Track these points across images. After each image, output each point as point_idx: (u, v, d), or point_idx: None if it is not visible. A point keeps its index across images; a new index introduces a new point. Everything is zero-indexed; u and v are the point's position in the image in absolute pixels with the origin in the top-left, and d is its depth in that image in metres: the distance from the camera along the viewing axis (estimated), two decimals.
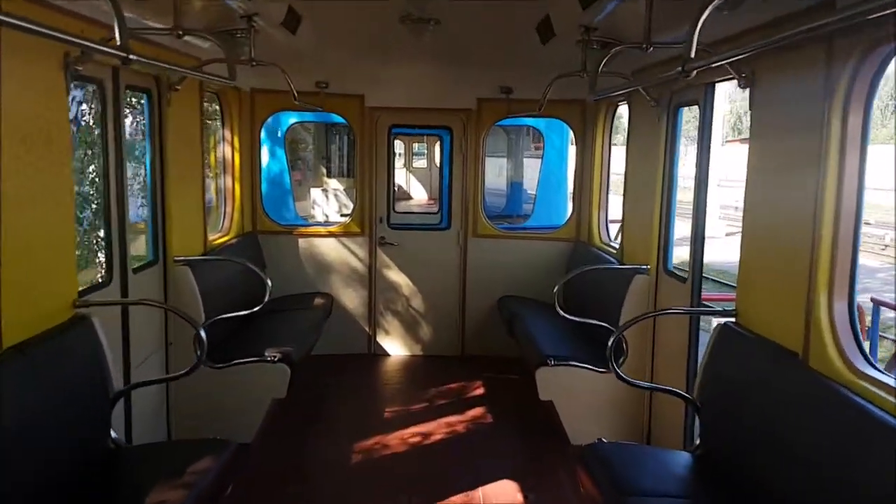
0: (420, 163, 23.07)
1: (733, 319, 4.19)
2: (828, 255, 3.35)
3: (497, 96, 7.89)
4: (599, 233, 7.72)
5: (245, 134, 7.75)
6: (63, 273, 3.95)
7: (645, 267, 5.76)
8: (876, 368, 3.20)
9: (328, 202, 16.30)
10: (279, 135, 10.50)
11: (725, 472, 3.88)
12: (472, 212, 8.28)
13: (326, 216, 15.77)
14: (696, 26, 3.31)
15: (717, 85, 4.93)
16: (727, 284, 16.93)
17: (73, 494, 3.54)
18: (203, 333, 4.24)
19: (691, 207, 5.07)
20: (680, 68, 3.50)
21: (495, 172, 15.76)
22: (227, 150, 7.60)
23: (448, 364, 8.21)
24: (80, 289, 4.41)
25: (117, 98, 4.78)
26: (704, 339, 5.24)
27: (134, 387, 4.56)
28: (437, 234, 8.48)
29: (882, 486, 2.70)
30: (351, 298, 8.33)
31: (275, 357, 5.72)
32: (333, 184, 17.17)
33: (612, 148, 7.75)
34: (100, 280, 4.95)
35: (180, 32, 4.32)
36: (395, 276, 8.38)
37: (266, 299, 5.78)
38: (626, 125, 7.91)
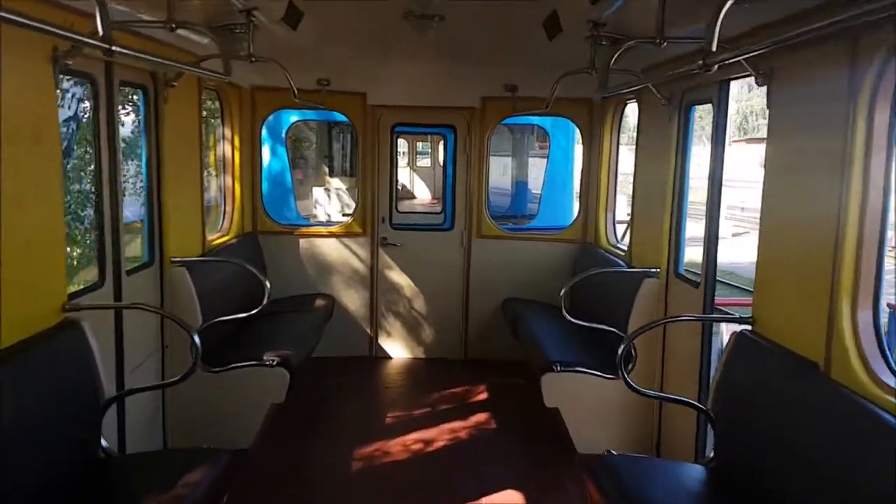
0: (424, 161, 22.94)
1: (749, 327, 4.03)
2: (851, 260, 3.18)
3: (502, 94, 7.73)
4: (607, 234, 7.55)
5: (245, 132, 7.61)
6: (52, 276, 3.81)
7: (655, 270, 5.59)
8: None
9: (330, 201, 16.15)
10: (280, 133, 10.35)
11: (741, 486, 3.71)
12: (475, 212, 8.12)
13: (329, 216, 15.63)
14: (717, 18, 3.14)
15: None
16: (736, 287, 16.76)
17: None
18: (197, 339, 4.09)
19: (699, 208, 4.91)
20: (701, 62, 3.33)
21: (499, 171, 15.59)
22: (227, 148, 7.46)
23: (451, 367, 8.06)
24: (73, 290, 4.28)
25: (111, 94, 4.63)
26: (716, 344, 5.10)
27: (126, 394, 4.42)
28: (441, 235, 8.33)
29: None
30: (352, 300, 8.18)
31: (273, 361, 5.58)
32: (336, 183, 17.02)
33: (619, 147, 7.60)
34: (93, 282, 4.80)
35: (173, 26, 4.17)
36: (398, 277, 8.23)
37: (265, 302, 5.63)
38: (630, 124, 7.77)
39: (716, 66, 3.32)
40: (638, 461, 4.30)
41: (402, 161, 21.46)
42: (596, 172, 7.73)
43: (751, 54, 3.16)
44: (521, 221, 13.40)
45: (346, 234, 8.16)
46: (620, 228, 7.85)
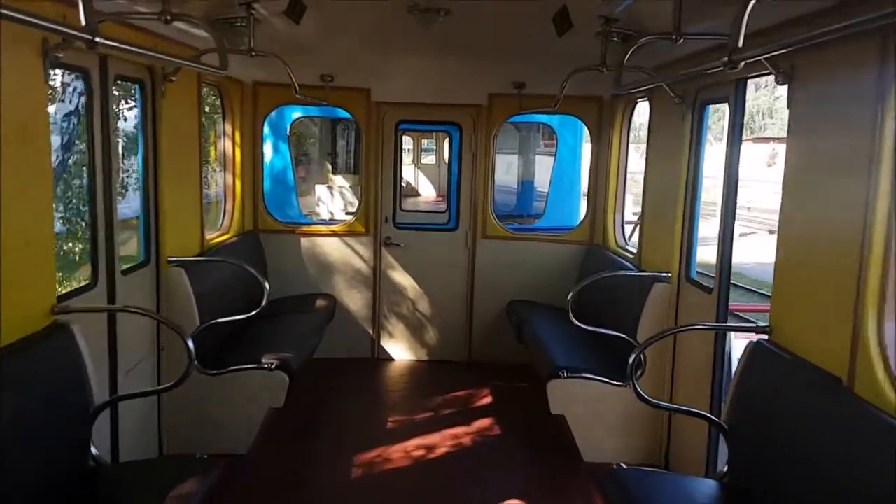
0: (429, 159, 22.78)
1: (766, 337, 3.86)
2: (878, 267, 3.01)
3: (509, 91, 7.56)
4: (615, 236, 7.38)
5: (247, 128, 7.46)
6: (41, 277, 3.66)
7: (665, 274, 5.42)
8: None
9: (333, 199, 15.99)
10: (283, 129, 10.18)
11: (756, 503, 3.55)
12: (481, 212, 7.95)
13: (332, 213, 15.47)
14: (744, 13, 2.97)
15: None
16: (744, 288, 16.57)
17: None
18: (191, 344, 3.94)
19: (707, 207, 4.73)
20: (726, 59, 3.16)
21: (504, 169, 15.43)
22: (228, 145, 7.31)
23: (454, 370, 7.91)
24: (65, 292, 4.14)
25: (105, 88, 4.48)
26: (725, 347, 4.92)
27: (117, 400, 4.28)
28: (445, 235, 8.17)
29: None
30: (354, 300, 8.03)
31: (272, 364, 5.43)
32: (339, 181, 16.83)
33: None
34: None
35: (168, 17, 4.01)
36: (401, 277, 8.08)
37: (263, 303, 5.47)
38: (636, 123, 7.59)
39: (742, 64, 3.15)
40: (648, 475, 4.14)
41: (407, 158, 21.31)
42: (604, 172, 7.56)
43: (779, 52, 2.98)
44: (526, 221, 13.23)
45: (348, 233, 8.01)
46: (627, 229, 7.70)
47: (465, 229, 8.03)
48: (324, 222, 12.71)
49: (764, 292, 17.22)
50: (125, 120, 10.83)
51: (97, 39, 3.04)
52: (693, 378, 5.00)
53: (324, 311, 7.35)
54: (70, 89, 10.99)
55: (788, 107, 3.79)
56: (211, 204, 8.61)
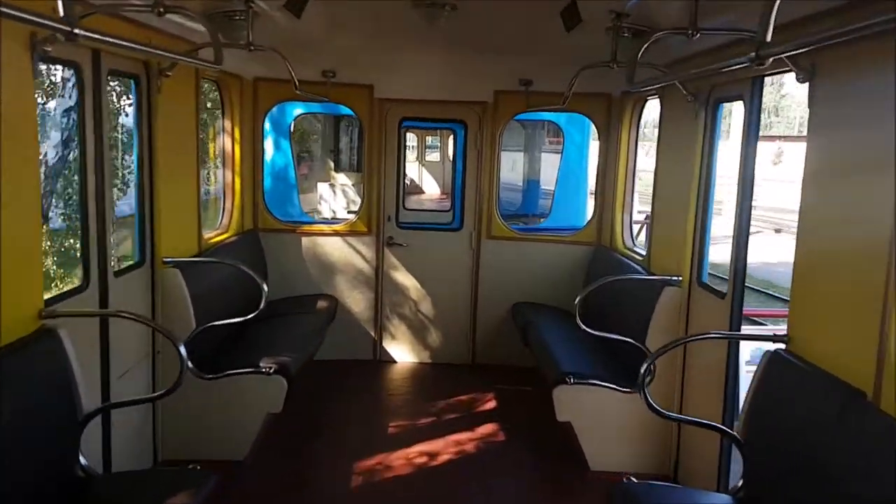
0: (433, 156, 22.63)
1: (783, 346, 3.69)
2: None
3: (516, 88, 7.39)
4: (623, 237, 7.20)
5: (247, 125, 7.30)
6: (28, 280, 3.51)
7: (676, 278, 5.25)
8: None
9: (335, 198, 15.82)
10: (284, 126, 10.02)
11: None
12: (485, 212, 7.78)
13: (334, 212, 15.30)
14: (773, 5, 2.79)
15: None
16: (751, 289, 16.36)
17: None
18: (183, 350, 3.78)
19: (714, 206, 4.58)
20: (753, 54, 2.98)
21: (509, 167, 15.25)
22: (228, 141, 7.15)
23: (458, 373, 7.75)
24: (53, 295, 3.99)
25: (98, 84, 4.32)
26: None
27: (108, 408, 4.13)
28: (449, 235, 8.01)
29: None
30: (356, 301, 7.88)
31: (270, 368, 5.28)
32: (341, 178, 16.66)
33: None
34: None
35: (161, 10, 3.86)
36: (404, 278, 7.92)
37: (262, 306, 5.31)
38: (642, 121, 7.40)
39: (770, 59, 2.97)
40: (659, 490, 3.97)
41: (411, 155, 21.16)
42: (613, 171, 7.38)
43: (811, 47, 2.79)
44: (532, 221, 13.07)
45: (350, 232, 7.86)
46: (634, 229, 7.54)
47: (470, 229, 7.87)
48: (326, 221, 12.57)
49: (771, 293, 17.03)
50: (126, 115, 10.71)
51: (76, 31, 2.88)
52: (704, 386, 4.84)
53: (325, 313, 7.21)
54: (70, 84, 10.85)
55: (809, 105, 3.62)
56: (210, 202, 8.46)
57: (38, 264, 3.64)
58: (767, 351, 3.71)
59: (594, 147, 9.55)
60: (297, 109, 10.23)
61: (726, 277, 4.60)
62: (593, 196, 8.09)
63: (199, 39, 5.18)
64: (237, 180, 7.21)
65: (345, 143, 17.77)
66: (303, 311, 7.07)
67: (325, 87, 7.27)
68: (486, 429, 6.26)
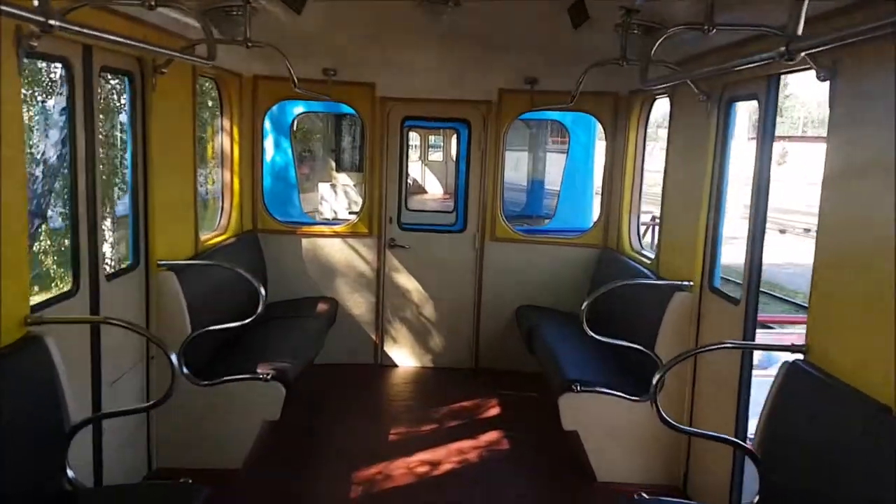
0: (436, 155, 22.47)
1: (801, 356, 3.52)
2: None
3: (521, 87, 7.22)
4: (630, 239, 7.03)
5: (246, 124, 7.14)
6: (13, 286, 3.36)
7: (687, 283, 5.08)
8: None
9: (337, 198, 15.64)
10: (285, 125, 9.87)
11: None
12: (489, 213, 7.62)
13: (335, 213, 15.12)
14: None
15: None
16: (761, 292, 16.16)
17: None
18: (175, 359, 3.62)
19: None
20: (783, 49, 2.81)
21: (513, 167, 15.09)
22: (226, 140, 7.00)
23: (460, 378, 7.59)
24: (41, 301, 3.84)
25: (89, 80, 4.17)
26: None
27: (98, 418, 3.98)
28: (452, 237, 7.84)
29: None
30: (357, 304, 7.72)
31: (268, 375, 5.13)
32: (343, 179, 16.47)
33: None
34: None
35: (152, 3, 3.71)
36: (406, 280, 7.76)
37: (259, 310, 5.14)
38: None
39: (801, 55, 2.81)
40: None
41: (414, 155, 21.01)
42: (620, 172, 7.21)
43: (844, 41, 2.62)
44: (537, 222, 12.91)
45: (351, 234, 7.70)
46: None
47: (473, 231, 7.71)
48: (327, 222, 12.40)
49: (776, 294, 16.85)
50: (126, 113, 10.61)
51: (52, 22, 2.72)
52: (716, 397, 4.67)
53: (325, 316, 7.05)
54: (63, 84, 10.72)
55: (830, 105, 3.46)
56: (209, 203, 8.33)
57: (25, 269, 3.49)
58: (785, 362, 3.54)
59: (600, 147, 9.38)
60: (298, 108, 10.07)
61: (734, 279, 4.44)
62: (599, 196, 7.93)
63: (195, 36, 5.03)
64: (236, 180, 7.05)
65: (347, 143, 17.57)
66: (302, 315, 6.92)
67: (326, 86, 7.11)
68: (490, 436, 6.10)
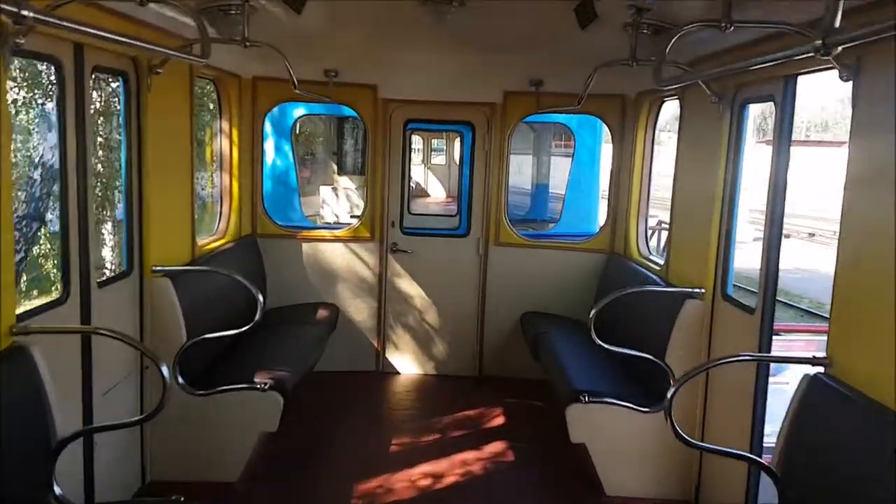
0: (439, 159, 22.32)
1: (822, 369, 3.36)
2: None
3: (526, 89, 7.07)
4: (638, 244, 6.87)
5: (245, 126, 7.00)
6: None
7: (698, 291, 4.92)
8: None
9: (338, 202, 15.48)
10: (286, 128, 9.72)
11: None
12: (494, 218, 7.46)
13: (336, 217, 14.96)
14: None
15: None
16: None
17: None
18: (166, 371, 3.47)
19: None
20: (819, 42, 2.65)
21: (517, 170, 14.94)
22: (225, 143, 6.86)
23: (464, 386, 7.42)
24: (28, 309, 3.70)
25: (80, 81, 4.03)
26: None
27: (87, 432, 3.83)
28: (455, 241, 7.69)
29: None
30: (359, 310, 7.57)
31: (265, 384, 4.97)
32: (344, 182, 16.30)
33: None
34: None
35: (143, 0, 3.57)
36: (408, 286, 7.60)
37: (257, 317, 4.97)
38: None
39: (839, 48, 2.64)
40: None
41: (416, 158, 20.87)
42: (627, 176, 7.05)
43: (886, 34, 2.46)
44: (541, 226, 12.73)
45: (352, 238, 7.54)
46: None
47: (477, 235, 7.55)
48: (328, 226, 12.26)
49: (780, 299, 16.66)
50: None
51: (25, 13, 2.58)
52: (729, 409, 4.50)
53: (325, 322, 6.90)
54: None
55: (853, 106, 3.31)
56: (208, 207, 8.19)
57: (11, 278, 3.34)
58: (806, 375, 3.37)
59: (605, 150, 9.22)
60: (299, 110, 9.92)
61: (742, 286, 4.28)
62: (605, 200, 7.77)
63: (191, 35, 4.89)
64: (235, 184, 6.91)
65: (349, 146, 17.42)
66: (302, 321, 6.77)
67: (327, 87, 6.97)
68: (494, 447, 5.93)
